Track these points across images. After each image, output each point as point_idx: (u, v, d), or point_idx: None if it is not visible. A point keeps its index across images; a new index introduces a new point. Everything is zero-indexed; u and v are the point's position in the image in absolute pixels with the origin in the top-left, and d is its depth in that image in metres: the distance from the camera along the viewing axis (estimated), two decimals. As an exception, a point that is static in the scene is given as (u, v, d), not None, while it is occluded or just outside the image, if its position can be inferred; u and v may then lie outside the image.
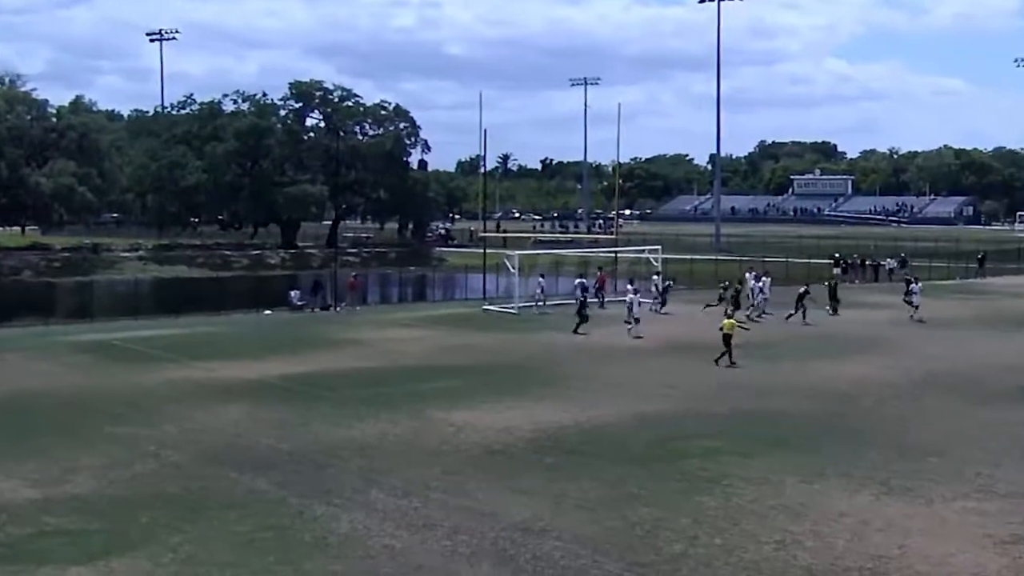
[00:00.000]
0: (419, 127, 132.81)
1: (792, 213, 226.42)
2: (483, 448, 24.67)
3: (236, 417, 28.10)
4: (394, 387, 32.55)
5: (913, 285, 51.53)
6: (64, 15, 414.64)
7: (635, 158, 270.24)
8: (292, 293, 62.77)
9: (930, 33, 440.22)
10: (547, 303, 55.76)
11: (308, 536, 18.38)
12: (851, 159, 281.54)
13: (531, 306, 54.94)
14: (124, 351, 40.46)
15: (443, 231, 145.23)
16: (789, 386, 32.74)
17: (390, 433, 26.20)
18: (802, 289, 50.32)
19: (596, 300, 55.00)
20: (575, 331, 45.51)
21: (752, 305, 51.32)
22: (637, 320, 44.86)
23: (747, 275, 56.08)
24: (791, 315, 48.58)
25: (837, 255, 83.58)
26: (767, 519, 19.26)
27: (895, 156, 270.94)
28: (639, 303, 45.94)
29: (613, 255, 72.37)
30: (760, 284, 53.06)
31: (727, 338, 36.95)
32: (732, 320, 38.54)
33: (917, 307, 49.75)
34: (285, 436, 25.85)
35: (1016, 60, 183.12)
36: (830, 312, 51.58)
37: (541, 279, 57.69)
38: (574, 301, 54.73)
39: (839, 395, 31.32)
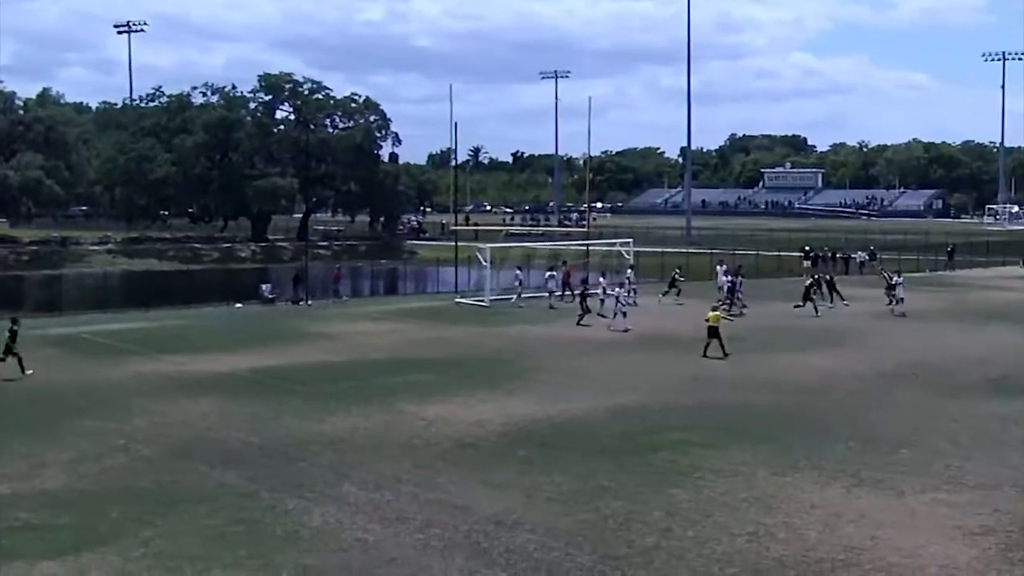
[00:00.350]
0: (389, 120, 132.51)
1: (763, 206, 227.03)
2: (455, 441, 24.68)
3: (207, 411, 28.01)
4: (365, 381, 32.52)
5: (896, 279, 50.84)
6: (29, 7, 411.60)
7: (606, 151, 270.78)
8: (263, 286, 62.54)
9: (896, 28, 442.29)
10: (523, 295, 55.55)
11: (280, 530, 18.34)
12: (821, 152, 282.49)
13: (510, 298, 54.86)
14: (93, 345, 40.29)
15: (415, 224, 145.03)
16: (760, 379, 32.84)
17: (361, 427, 26.18)
18: (808, 281, 51.31)
19: (559, 293, 55.10)
20: (578, 323, 45.90)
21: (733, 299, 51.09)
22: (624, 314, 44.29)
23: (718, 268, 56.27)
24: (798, 306, 49.22)
25: (807, 248, 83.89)
26: (739, 511, 19.33)
27: (864, 149, 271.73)
28: (624, 296, 45.62)
29: (585, 248, 72.50)
30: (736, 278, 53.22)
31: (712, 330, 37.14)
32: (717, 312, 38.74)
33: (902, 300, 49.39)
34: (256, 430, 25.79)
35: (984, 55, 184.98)
36: (844, 304, 51.84)
37: (519, 271, 57.41)
38: (546, 294, 54.91)
39: (810, 388, 31.45)
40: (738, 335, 41.17)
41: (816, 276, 56.04)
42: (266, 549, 17.35)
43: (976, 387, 31.58)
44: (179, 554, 17.10)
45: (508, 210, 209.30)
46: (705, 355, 36.62)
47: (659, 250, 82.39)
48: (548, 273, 57.33)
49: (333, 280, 66.65)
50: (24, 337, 41.96)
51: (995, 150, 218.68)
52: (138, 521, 18.69)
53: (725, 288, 52.05)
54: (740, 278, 53.77)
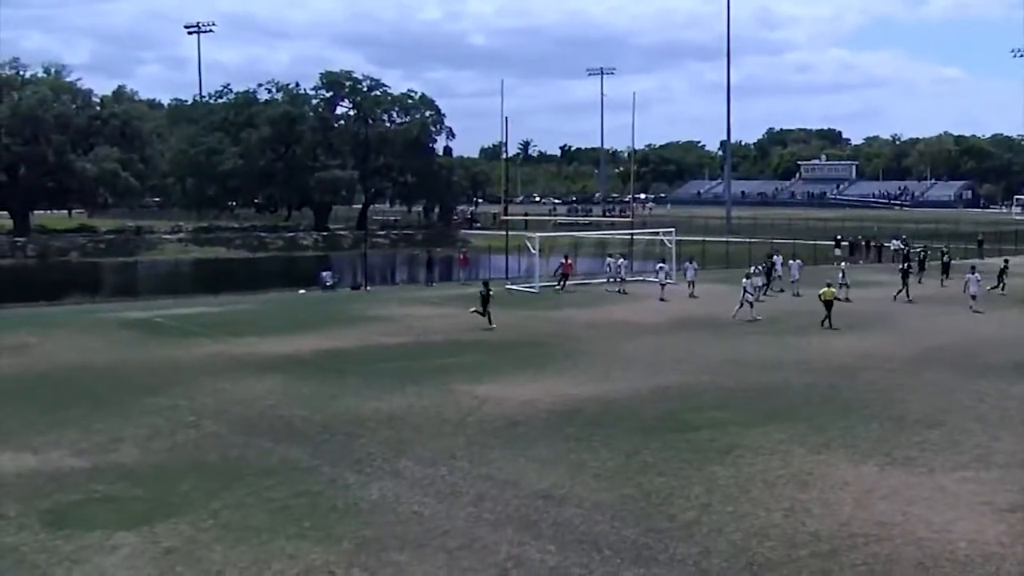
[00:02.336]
0: (443, 115, 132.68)
1: (799, 197, 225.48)
2: (505, 420, 24.68)
3: (271, 390, 28.15)
4: (421, 361, 32.57)
5: (970, 275, 47.59)
6: (105, 8, 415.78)
7: (649, 144, 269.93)
8: (323, 274, 62.76)
9: (929, 23, 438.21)
10: (625, 280, 55.45)
11: (340, 503, 18.42)
12: (855, 145, 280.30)
13: (612, 281, 55.07)
14: (166, 328, 40.58)
15: (470, 214, 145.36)
16: (795, 360, 32.67)
17: (417, 405, 26.22)
18: (903, 265, 53.04)
19: (559, 287, 54.87)
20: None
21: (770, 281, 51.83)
22: (751, 303, 42.87)
23: (775, 257, 56.46)
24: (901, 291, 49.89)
25: (839, 236, 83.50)
26: (776, 488, 19.23)
27: (897, 142, 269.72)
28: (752, 287, 44.11)
29: (629, 237, 72.38)
30: (795, 264, 54.01)
31: (827, 304, 40.09)
32: (832, 289, 41.37)
33: (975, 297, 46.37)
34: (317, 408, 25.90)
35: (1013, 50, 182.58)
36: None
37: (622, 260, 57.34)
38: (607, 280, 55.06)
39: (843, 369, 31.22)
40: (773, 318, 41.23)
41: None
42: (327, 521, 17.43)
43: (1003, 369, 31.23)
44: (245, 525, 17.22)
45: (556, 201, 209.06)
46: (825, 326, 39.42)
47: (700, 239, 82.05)
48: (620, 260, 57.28)
49: (462, 265, 67.92)
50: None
51: (1023, 142, 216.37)
52: (207, 494, 18.84)
53: (791, 275, 52.47)
54: (793, 263, 54.33)
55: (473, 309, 41.34)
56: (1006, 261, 58.33)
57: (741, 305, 42.67)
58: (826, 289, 40.95)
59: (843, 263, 55.93)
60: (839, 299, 42.65)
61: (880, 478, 19.85)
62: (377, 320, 42.64)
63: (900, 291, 49.77)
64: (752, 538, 16.68)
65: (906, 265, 53.37)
